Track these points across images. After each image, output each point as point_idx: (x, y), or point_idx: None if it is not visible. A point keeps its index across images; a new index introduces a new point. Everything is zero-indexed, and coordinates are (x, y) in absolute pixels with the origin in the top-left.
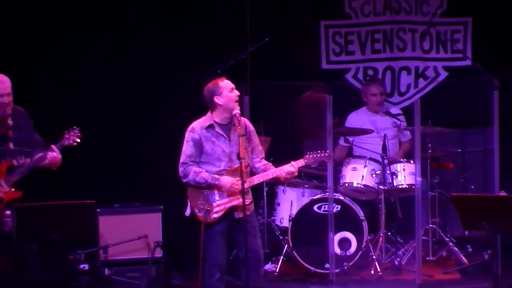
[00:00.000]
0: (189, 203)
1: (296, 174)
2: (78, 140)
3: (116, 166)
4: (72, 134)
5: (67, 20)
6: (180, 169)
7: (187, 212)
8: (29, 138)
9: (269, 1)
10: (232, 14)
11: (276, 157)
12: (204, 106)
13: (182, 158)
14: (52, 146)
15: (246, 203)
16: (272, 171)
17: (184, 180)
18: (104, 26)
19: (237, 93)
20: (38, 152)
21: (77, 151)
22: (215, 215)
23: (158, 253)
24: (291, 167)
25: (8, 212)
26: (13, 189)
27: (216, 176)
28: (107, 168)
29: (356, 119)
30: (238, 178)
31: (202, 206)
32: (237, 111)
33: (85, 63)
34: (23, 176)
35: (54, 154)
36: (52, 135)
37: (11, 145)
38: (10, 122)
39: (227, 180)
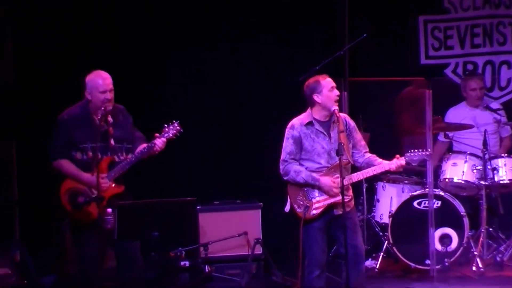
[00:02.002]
0: (288, 199)
1: (402, 168)
2: (178, 134)
3: (216, 163)
4: (171, 127)
5: (176, 22)
6: (281, 166)
7: (287, 208)
8: (130, 135)
9: None
10: (331, 11)
11: (375, 153)
12: (304, 103)
13: (283, 156)
14: (156, 134)
15: (346, 200)
16: (373, 169)
17: (284, 178)
18: (208, 30)
19: (337, 92)
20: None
21: (177, 148)
22: (314, 212)
23: (258, 250)
24: (400, 160)
25: (109, 210)
26: (113, 184)
27: (316, 176)
28: (207, 165)
29: (456, 114)
30: (337, 175)
31: (301, 202)
32: (335, 107)
33: (187, 61)
34: (125, 171)
35: (162, 139)
36: (152, 131)
37: (112, 142)
38: (110, 119)
39: (327, 182)
